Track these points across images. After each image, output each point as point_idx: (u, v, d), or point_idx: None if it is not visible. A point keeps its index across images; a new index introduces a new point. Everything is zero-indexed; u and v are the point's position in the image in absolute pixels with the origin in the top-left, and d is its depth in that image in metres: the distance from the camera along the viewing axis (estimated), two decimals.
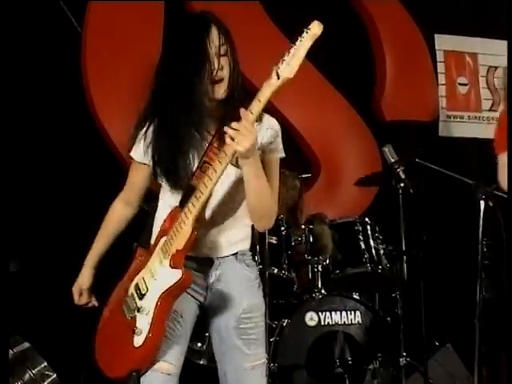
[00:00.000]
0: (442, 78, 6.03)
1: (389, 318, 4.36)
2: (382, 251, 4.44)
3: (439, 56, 6.05)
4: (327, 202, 5.30)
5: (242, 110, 2.37)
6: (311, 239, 4.32)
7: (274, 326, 4.11)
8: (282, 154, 2.66)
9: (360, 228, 4.44)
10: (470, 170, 5.84)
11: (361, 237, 4.42)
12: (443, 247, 5.24)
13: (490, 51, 6.21)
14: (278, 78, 2.36)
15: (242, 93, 2.56)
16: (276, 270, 4.19)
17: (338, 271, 4.36)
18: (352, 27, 5.81)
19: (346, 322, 4.22)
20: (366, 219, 4.51)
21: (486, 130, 6.11)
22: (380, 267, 4.37)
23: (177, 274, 2.44)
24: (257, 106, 2.37)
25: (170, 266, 2.47)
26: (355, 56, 5.81)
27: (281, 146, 2.66)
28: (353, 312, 4.23)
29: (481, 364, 3.95)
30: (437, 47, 6.04)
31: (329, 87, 5.60)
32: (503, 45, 6.14)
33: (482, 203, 4.26)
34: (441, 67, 6.04)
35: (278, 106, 5.26)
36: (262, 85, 2.38)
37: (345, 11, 5.76)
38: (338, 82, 5.59)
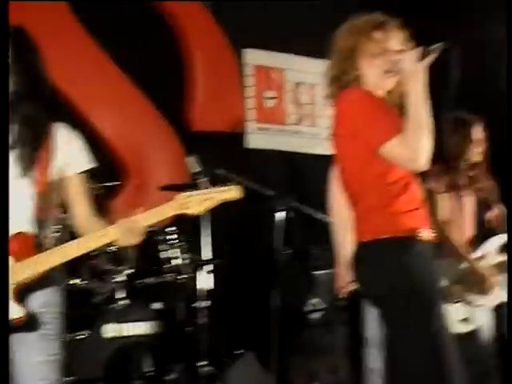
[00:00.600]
0: (250, 91, 6.16)
1: (190, 328, 4.36)
2: (184, 260, 4.44)
3: (248, 70, 6.18)
4: (131, 208, 5.22)
5: None
6: (112, 248, 4.25)
7: (71, 338, 4.00)
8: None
9: (164, 237, 4.43)
10: (275, 181, 6.01)
11: (163, 246, 4.40)
12: (246, 257, 5.33)
13: (296, 67, 6.42)
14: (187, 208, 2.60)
15: None
16: (77, 281, 4.10)
17: (139, 281, 4.31)
18: (163, 37, 5.80)
19: (147, 333, 4.18)
20: (169, 228, 4.50)
21: (291, 143, 6.33)
22: (182, 277, 4.37)
23: None
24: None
25: None
26: (165, 66, 5.80)
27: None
28: (153, 322, 4.20)
29: (278, 369, 4.07)
30: (246, 61, 6.17)
31: (138, 95, 5.55)
32: (309, 62, 6.42)
33: (282, 214, 4.41)
34: (249, 81, 6.18)
35: (85, 112, 5.17)
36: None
37: (156, 22, 5.75)
38: (148, 91, 5.55)
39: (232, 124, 5.92)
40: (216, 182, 4.58)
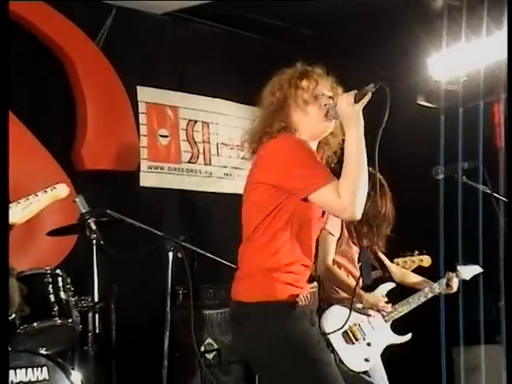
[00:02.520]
0: (143, 129, 6.12)
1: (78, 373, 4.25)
2: (72, 303, 4.34)
3: (141, 107, 6.15)
4: (19, 254, 5.07)
5: None
6: None
7: None
8: None
9: (50, 280, 4.32)
10: (168, 220, 5.98)
11: (51, 289, 4.29)
12: (137, 299, 5.26)
13: (190, 105, 6.44)
14: None
15: None
16: None
17: (25, 325, 4.17)
18: (54, 74, 5.72)
19: (32, 380, 4.02)
20: (58, 270, 4.40)
21: (184, 182, 6.31)
22: (70, 320, 4.26)
23: None
24: None
25: None
26: (56, 103, 5.72)
27: None
28: (40, 368, 4.07)
29: None
30: (139, 99, 6.14)
31: (27, 134, 5.43)
32: (203, 100, 6.46)
33: (171, 254, 4.39)
34: (143, 118, 6.14)
35: None
36: None
37: (45, 58, 5.66)
38: (37, 129, 5.43)
39: (124, 162, 5.85)
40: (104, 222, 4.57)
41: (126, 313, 4.74)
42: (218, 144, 6.60)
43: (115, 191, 5.73)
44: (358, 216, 2.66)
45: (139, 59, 6.10)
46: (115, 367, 4.57)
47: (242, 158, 6.65)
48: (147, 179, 6.08)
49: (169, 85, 6.25)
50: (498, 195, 4.26)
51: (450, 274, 4.40)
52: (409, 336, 4.48)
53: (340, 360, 4.20)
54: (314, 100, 2.86)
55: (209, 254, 4.61)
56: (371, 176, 2.80)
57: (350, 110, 2.70)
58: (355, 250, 4.41)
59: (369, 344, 4.32)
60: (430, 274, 4.69)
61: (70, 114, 5.74)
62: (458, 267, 4.43)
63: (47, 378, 4.07)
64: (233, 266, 4.64)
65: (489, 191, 4.26)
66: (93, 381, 4.32)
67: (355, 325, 4.33)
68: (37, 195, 2.86)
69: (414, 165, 6.01)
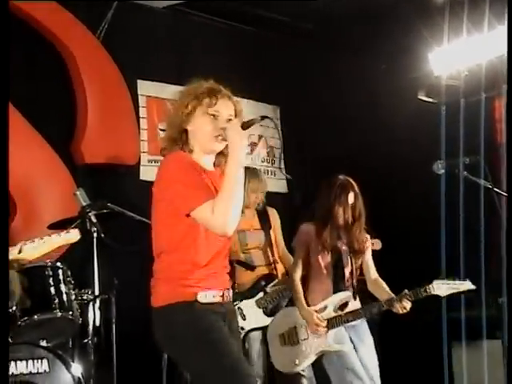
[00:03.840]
0: (143, 123, 6.12)
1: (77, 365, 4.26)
2: (73, 296, 4.34)
3: (141, 101, 6.15)
4: None
5: None
6: None
7: None
8: None
9: (51, 272, 4.31)
10: None
11: (51, 282, 4.29)
12: (137, 291, 5.24)
13: None
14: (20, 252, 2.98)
15: None
16: None
17: (26, 318, 4.17)
18: (54, 67, 5.71)
19: (33, 371, 4.02)
20: (58, 263, 4.40)
21: None
22: (70, 312, 4.26)
23: None
24: None
25: None
26: (57, 97, 5.72)
27: None
28: (40, 360, 4.06)
29: None
30: (139, 92, 6.13)
31: (27, 127, 5.43)
32: None
33: None
34: (143, 112, 6.14)
35: None
36: None
37: (47, 52, 5.66)
38: (37, 122, 5.43)
39: (124, 156, 5.85)
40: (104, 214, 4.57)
41: (126, 306, 4.74)
42: None
43: (115, 185, 5.73)
44: (230, 232, 2.91)
45: (140, 53, 6.10)
46: (115, 360, 4.56)
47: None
48: (147, 173, 6.07)
49: (169, 78, 6.23)
50: (499, 190, 4.26)
51: (406, 293, 4.26)
52: (348, 345, 4.44)
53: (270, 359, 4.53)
54: (213, 119, 3.02)
55: None
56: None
57: (237, 135, 2.91)
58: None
59: (303, 348, 4.46)
60: (432, 269, 4.69)
61: (71, 108, 5.74)
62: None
63: (47, 370, 4.07)
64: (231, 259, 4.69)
65: (490, 186, 4.25)
66: (93, 373, 4.33)
67: (292, 328, 4.52)
68: (50, 236, 3.40)
69: (415, 160, 6.01)
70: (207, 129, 3.01)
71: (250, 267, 4.99)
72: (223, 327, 3.00)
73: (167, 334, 2.98)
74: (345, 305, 4.44)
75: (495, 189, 4.24)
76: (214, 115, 3.01)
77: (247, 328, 4.93)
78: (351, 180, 4.51)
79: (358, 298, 4.51)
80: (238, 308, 4.96)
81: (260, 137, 6.86)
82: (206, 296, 2.98)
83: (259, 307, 5.00)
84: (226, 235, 2.95)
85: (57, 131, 5.63)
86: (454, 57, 6.16)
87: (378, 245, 5.22)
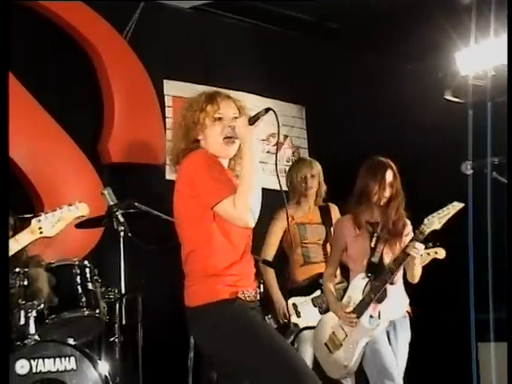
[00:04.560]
0: (169, 123, 6.13)
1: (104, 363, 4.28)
2: (100, 295, 4.37)
3: (167, 101, 6.17)
4: (46, 245, 5.10)
5: None
6: (26, 282, 4.14)
7: None
8: None
9: (78, 271, 4.36)
10: None
11: (78, 280, 4.32)
12: (164, 290, 5.27)
13: None
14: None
15: None
16: None
17: (53, 316, 4.21)
18: (81, 67, 5.76)
19: (60, 369, 4.06)
20: (85, 262, 4.43)
21: None
22: (97, 311, 4.29)
23: None
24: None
25: None
26: (84, 96, 5.76)
27: None
28: (67, 358, 4.10)
29: None
30: (165, 92, 6.16)
31: (55, 127, 5.47)
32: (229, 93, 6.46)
33: None
34: (169, 112, 6.16)
35: None
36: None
37: (74, 52, 5.70)
38: (65, 122, 5.47)
39: (150, 155, 5.88)
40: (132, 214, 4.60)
41: (153, 305, 4.76)
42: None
43: (141, 184, 5.76)
44: (252, 224, 2.97)
45: (166, 53, 6.13)
46: (141, 358, 4.58)
47: (268, 152, 6.67)
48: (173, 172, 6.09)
49: (195, 78, 6.26)
50: None
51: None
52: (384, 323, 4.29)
53: (320, 369, 4.33)
54: (218, 121, 3.09)
55: None
56: None
57: (245, 130, 3.01)
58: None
59: (347, 347, 4.30)
60: (458, 267, 4.67)
61: (97, 108, 5.78)
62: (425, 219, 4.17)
63: (75, 368, 4.11)
64: (256, 257, 4.69)
65: None
66: (119, 371, 4.35)
67: (332, 333, 4.37)
68: (61, 211, 3.38)
69: (442, 160, 5.98)
70: (216, 132, 3.09)
71: (273, 266, 4.93)
72: (266, 323, 3.06)
73: (213, 334, 2.97)
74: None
75: None
76: (219, 118, 3.09)
77: (301, 325, 4.87)
78: (389, 160, 4.40)
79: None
80: (293, 304, 4.92)
81: (286, 136, 6.86)
82: (245, 293, 3.02)
83: (315, 305, 4.92)
84: (248, 227, 3.00)
85: (84, 131, 5.68)
86: (481, 57, 6.12)
87: (441, 254, 5.08)
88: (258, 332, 2.96)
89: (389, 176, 4.33)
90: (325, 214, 5.18)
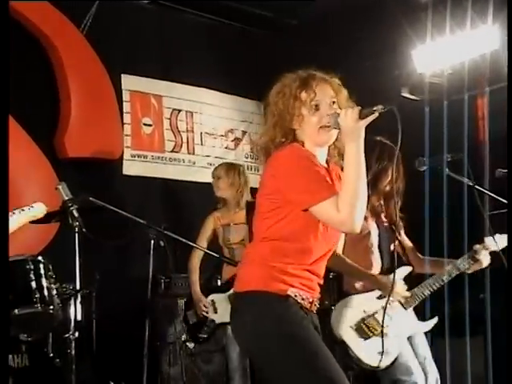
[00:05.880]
0: (127, 118, 6.10)
1: (58, 360, 4.24)
2: (54, 291, 4.31)
3: (125, 96, 6.13)
4: None
5: None
6: None
7: None
8: None
9: (32, 267, 4.27)
10: (150, 208, 5.97)
11: (32, 276, 4.25)
12: (118, 287, 5.24)
13: (174, 94, 6.42)
14: None
15: None
16: None
17: None
18: (37, 61, 5.69)
19: (13, 366, 4.00)
20: (39, 258, 4.36)
21: (168, 170, 6.30)
22: (51, 307, 4.24)
23: None
24: None
25: None
26: (40, 90, 5.69)
27: None
28: (20, 355, 4.05)
29: None
30: (123, 87, 6.11)
31: (10, 121, 5.39)
32: (187, 89, 6.45)
33: (153, 242, 4.38)
34: (126, 107, 6.12)
35: None
36: None
37: (30, 45, 5.63)
38: (20, 116, 5.39)
39: (108, 150, 5.83)
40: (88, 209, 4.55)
41: (108, 301, 4.73)
42: (201, 133, 6.59)
43: (98, 179, 5.71)
44: (357, 230, 2.71)
45: (124, 47, 6.09)
46: (96, 355, 4.55)
47: (226, 148, 6.67)
48: (130, 167, 6.07)
49: (153, 73, 6.24)
50: (480, 188, 4.27)
51: (477, 246, 4.01)
52: (434, 320, 4.12)
53: (357, 357, 3.89)
54: (315, 110, 2.84)
55: (191, 243, 4.61)
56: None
57: (353, 125, 2.68)
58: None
59: (386, 335, 3.81)
60: None
61: (54, 101, 5.72)
62: (486, 238, 4.02)
63: (28, 364, 4.06)
64: (214, 254, 4.70)
65: (471, 184, 4.26)
66: (73, 368, 4.30)
67: (370, 316, 3.94)
68: (14, 213, 3.19)
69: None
70: (313, 121, 2.83)
71: (234, 263, 4.96)
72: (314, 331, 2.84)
73: (250, 320, 2.77)
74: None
75: (476, 186, 4.25)
76: (316, 106, 2.84)
77: (218, 321, 4.94)
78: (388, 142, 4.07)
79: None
80: (212, 300, 5.00)
81: (244, 132, 6.86)
82: (297, 295, 2.80)
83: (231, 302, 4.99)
84: (354, 232, 2.74)
85: (39, 125, 5.61)
86: (438, 55, 6.18)
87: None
88: (303, 340, 2.73)
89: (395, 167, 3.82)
90: (251, 212, 5.21)
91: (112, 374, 4.82)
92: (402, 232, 4.25)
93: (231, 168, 5.26)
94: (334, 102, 2.85)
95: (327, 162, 2.95)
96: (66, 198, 4.32)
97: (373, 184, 3.90)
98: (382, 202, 4.14)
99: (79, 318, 4.41)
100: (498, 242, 4.07)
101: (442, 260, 4.20)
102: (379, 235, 4.13)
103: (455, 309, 5.12)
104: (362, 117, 2.67)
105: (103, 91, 5.91)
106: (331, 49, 6.54)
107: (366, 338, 3.90)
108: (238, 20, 6.79)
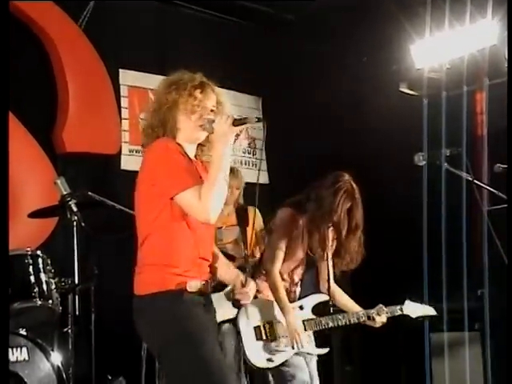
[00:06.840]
0: (125, 113, 6.09)
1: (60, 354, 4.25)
2: (53, 285, 4.32)
3: (123, 91, 6.12)
4: None
5: None
6: None
7: None
8: None
9: (31, 261, 4.29)
10: None
11: (31, 270, 4.26)
12: (117, 281, 5.23)
13: None
14: None
15: None
16: None
17: None
18: (35, 55, 5.68)
19: (12, 360, 4.02)
20: (38, 252, 4.37)
21: None
22: (50, 301, 4.24)
23: None
24: None
25: None
26: (38, 85, 5.68)
27: None
28: (19, 349, 4.05)
29: None
30: (121, 82, 6.10)
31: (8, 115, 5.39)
32: None
33: None
34: (124, 102, 6.11)
35: None
36: None
37: (28, 40, 5.61)
38: (18, 111, 5.37)
39: (106, 145, 5.83)
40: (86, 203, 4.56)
41: (106, 295, 4.73)
42: None
43: (96, 174, 5.71)
44: (213, 220, 2.95)
45: (122, 42, 6.07)
46: (94, 349, 4.55)
47: None
48: (128, 162, 6.05)
49: (151, 68, 6.22)
50: (479, 182, 4.28)
51: (384, 308, 4.16)
52: (325, 350, 4.26)
53: (244, 352, 4.12)
54: (199, 110, 3.08)
55: None
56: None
57: (226, 129, 2.98)
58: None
59: (277, 346, 4.12)
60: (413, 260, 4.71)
61: (52, 96, 5.71)
62: (406, 302, 4.20)
63: (27, 358, 4.07)
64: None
65: (470, 178, 4.27)
66: (72, 362, 4.30)
67: (269, 323, 4.15)
68: None
69: (396, 151, 6.03)
70: (194, 119, 3.06)
71: (231, 258, 4.97)
72: (208, 320, 3.07)
73: (152, 322, 2.96)
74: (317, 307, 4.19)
75: (475, 181, 4.26)
76: (197, 106, 3.06)
77: (218, 320, 4.92)
78: (354, 185, 4.14)
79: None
80: None
81: None
82: (193, 285, 2.98)
83: (229, 300, 4.96)
84: (209, 222, 2.95)
85: (38, 120, 5.60)
86: (436, 50, 6.18)
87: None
88: (194, 329, 2.93)
89: (351, 206, 4.13)
90: (241, 215, 5.20)
91: (110, 369, 4.83)
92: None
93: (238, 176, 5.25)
94: (212, 110, 3.11)
95: (196, 157, 3.18)
96: (65, 193, 4.33)
97: (328, 220, 4.09)
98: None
99: (78, 312, 4.43)
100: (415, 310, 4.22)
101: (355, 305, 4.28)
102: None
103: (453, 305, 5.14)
104: (235, 124, 3.01)
105: (101, 86, 5.90)
106: (329, 44, 6.56)
107: (258, 340, 4.12)
108: (236, 14, 6.78)
